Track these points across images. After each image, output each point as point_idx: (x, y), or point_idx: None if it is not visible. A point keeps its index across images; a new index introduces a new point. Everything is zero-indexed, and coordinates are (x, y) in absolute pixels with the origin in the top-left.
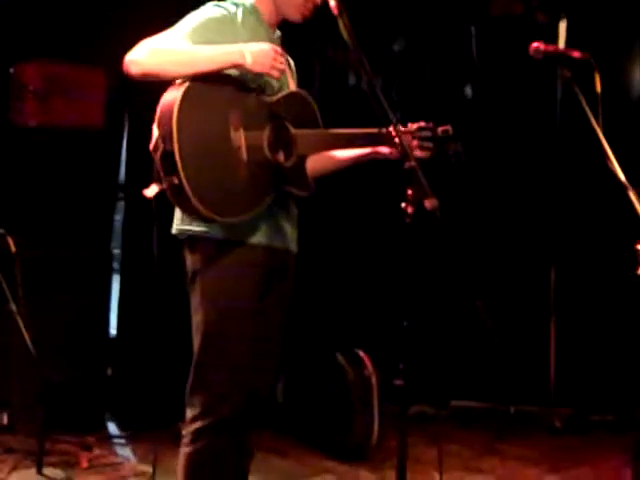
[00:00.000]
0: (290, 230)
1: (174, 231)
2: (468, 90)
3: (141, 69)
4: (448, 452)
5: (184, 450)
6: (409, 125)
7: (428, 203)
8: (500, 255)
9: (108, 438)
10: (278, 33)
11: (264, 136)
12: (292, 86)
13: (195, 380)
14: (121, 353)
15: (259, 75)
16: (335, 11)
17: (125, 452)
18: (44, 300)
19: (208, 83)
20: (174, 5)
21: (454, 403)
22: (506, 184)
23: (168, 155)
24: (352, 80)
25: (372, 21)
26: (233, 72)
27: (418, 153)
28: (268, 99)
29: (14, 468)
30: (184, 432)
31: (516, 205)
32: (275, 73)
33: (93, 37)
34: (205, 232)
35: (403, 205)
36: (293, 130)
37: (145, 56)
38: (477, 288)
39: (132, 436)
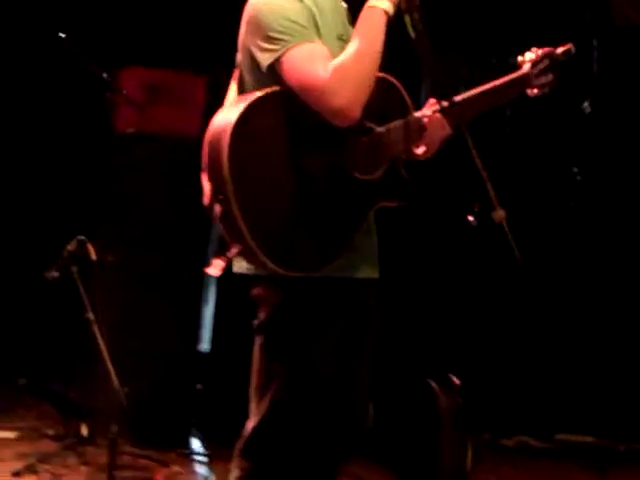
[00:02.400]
0: (374, 255)
1: (239, 269)
2: (587, 105)
3: (362, 105)
4: None
5: None
6: (520, 61)
7: (495, 215)
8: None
9: (189, 455)
10: (344, 7)
11: (341, 150)
12: None
13: (256, 435)
14: (213, 369)
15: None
16: (402, 5)
17: (203, 470)
18: (135, 310)
19: (261, 107)
20: None
21: (559, 436)
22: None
23: (228, 214)
24: None
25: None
26: None
27: (535, 92)
28: None
29: None
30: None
31: None
32: None
33: (197, 46)
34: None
35: (469, 218)
36: (378, 128)
37: (352, 90)
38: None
39: (214, 454)
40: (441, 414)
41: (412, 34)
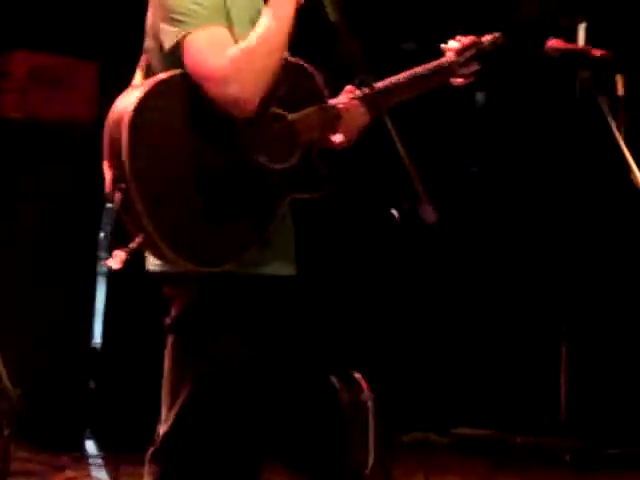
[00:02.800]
0: (290, 252)
1: (152, 267)
2: (480, 97)
3: (259, 95)
4: None
5: None
6: (445, 48)
7: (427, 216)
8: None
9: (85, 458)
10: None
11: (248, 138)
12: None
13: (167, 442)
14: (106, 365)
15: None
16: None
17: (101, 474)
18: (21, 304)
19: (162, 91)
20: None
21: (456, 430)
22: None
23: (128, 204)
24: None
25: (382, 20)
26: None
27: (459, 81)
28: None
29: None
30: None
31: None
32: None
33: (90, 31)
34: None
35: (395, 214)
36: (289, 115)
37: (249, 80)
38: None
39: (111, 457)
40: (343, 411)
41: (331, 16)
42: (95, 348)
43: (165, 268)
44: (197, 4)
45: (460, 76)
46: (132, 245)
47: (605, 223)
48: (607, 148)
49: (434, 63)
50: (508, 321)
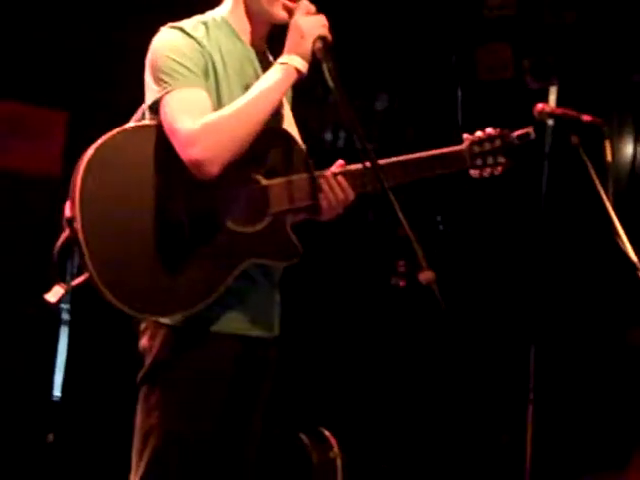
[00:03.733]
0: (269, 314)
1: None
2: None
3: (222, 163)
4: None
5: None
6: (465, 137)
7: (423, 276)
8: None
9: None
10: (257, 55)
11: (214, 197)
12: (288, 120)
13: None
14: (66, 418)
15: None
16: (319, 55)
17: None
18: None
19: (131, 137)
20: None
21: None
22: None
23: (76, 241)
24: (329, 136)
25: (354, 77)
26: None
27: (478, 173)
28: None
29: None
30: None
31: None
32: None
33: (58, 79)
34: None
35: (393, 280)
36: (264, 181)
37: (214, 146)
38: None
39: None
40: (313, 470)
41: (330, 83)
42: (55, 401)
43: (141, 322)
44: (182, 66)
45: (477, 167)
46: (73, 283)
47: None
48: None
49: (444, 149)
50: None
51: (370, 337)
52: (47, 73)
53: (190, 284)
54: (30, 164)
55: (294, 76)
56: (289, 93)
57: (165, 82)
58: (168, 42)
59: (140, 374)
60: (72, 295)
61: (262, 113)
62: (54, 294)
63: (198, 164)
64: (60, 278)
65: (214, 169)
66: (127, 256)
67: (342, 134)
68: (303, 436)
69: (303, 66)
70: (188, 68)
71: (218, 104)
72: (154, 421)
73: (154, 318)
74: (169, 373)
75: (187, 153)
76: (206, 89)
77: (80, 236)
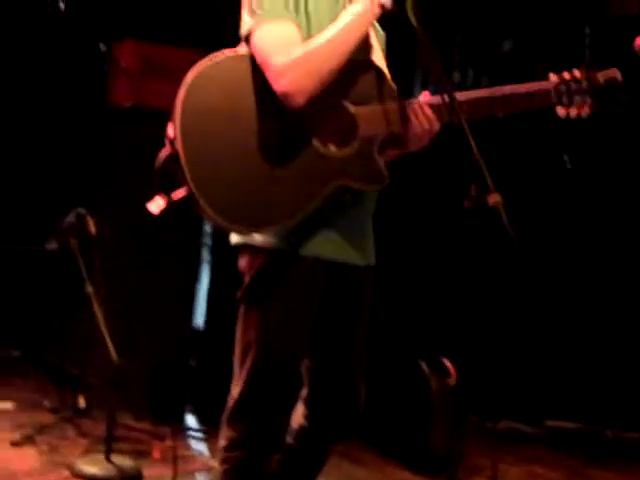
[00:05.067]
0: (361, 239)
1: (232, 241)
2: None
3: (309, 94)
4: (534, 474)
5: (222, 468)
6: (550, 76)
7: (491, 199)
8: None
9: (185, 430)
10: None
11: (307, 122)
12: (378, 59)
13: (238, 404)
14: (207, 345)
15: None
16: None
17: (200, 446)
18: (128, 284)
19: (228, 64)
20: None
21: (549, 423)
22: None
23: (175, 158)
24: (457, 77)
25: (480, 20)
26: None
27: (564, 112)
28: None
29: (85, 452)
30: (220, 452)
31: None
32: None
33: (194, 19)
34: (257, 242)
35: (465, 203)
36: (353, 108)
37: (302, 78)
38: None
39: (209, 431)
40: (432, 396)
41: (414, 22)
42: (197, 328)
43: (239, 241)
44: (274, 0)
45: (564, 105)
46: (173, 196)
47: None
48: None
49: (531, 85)
50: (603, 313)
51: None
52: (182, 14)
53: (283, 201)
54: (169, 103)
55: (377, 10)
56: (381, 33)
57: (257, 14)
58: None
59: (239, 292)
60: (213, 234)
61: (346, 45)
62: (155, 205)
63: (287, 95)
64: (162, 191)
65: (301, 100)
66: (223, 172)
67: (470, 72)
68: (422, 364)
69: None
70: (280, 1)
71: (308, 38)
72: (251, 337)
73: (247, 231)
74: (264, 294)
75: (277, 85)
76: (297, 23)
77: (180, 153)
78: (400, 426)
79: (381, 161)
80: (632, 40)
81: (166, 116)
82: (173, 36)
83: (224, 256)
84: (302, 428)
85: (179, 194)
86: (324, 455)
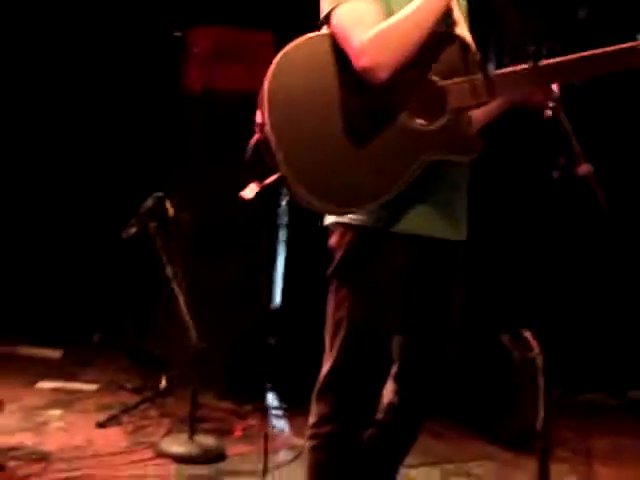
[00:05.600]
0: (456, 216)
1: (325, 222)
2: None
3: (391, 69)
4: (621, 445)
5: (311, 443)
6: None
7: (581, 169)
8: None
9: (265, 409)
10: None
11: (396, 96)
12: (461, 28)
13: (329, 380)
14: (286, 323)
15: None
16: None
17: (281, 424)
18: (206, 265)
19: (313, 44)
20: None
21: (632, 394)
22: None
23: (265, 143)
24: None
25: None
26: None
27: None
28: None
29: (168, 432)
30: (310, 429)
31: None
32: None
33: (259, 1)
34: (347, 220)
35: (554, 174)
36: (440, 82)
37: (383, 53)
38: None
39: (290, 408)
40: (515, 369)
41: None
42: (276, 309)
43: (330, 221)
44: None
45: None
46: (267, 181)
47: None
48: None
49: (619, 46)
50: None
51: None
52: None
53: (375, 178)
54: (243, 85)
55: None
56: (462, 2)
57: None
58: None
59: (330, 269)
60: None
61: (427, 20)
62: (250, 191)
63: (368, 71)
64: (255, 177)
65: (383, 75)
66: (314, 153)
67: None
68: (504, 336)
69: None
70: None
71: (389, 16)
72: (343, 314)
73: (342, 211)
74: (356, 270)
75: (358, 62)
76: (375, 2)
77: (270, 138)
78: (483, 400)
79: (473, 131)
80: None
81: (238, 98)
82: (242, 19)
83: (300, 235)
84: (392, 404)
85: (271, 179)
86: (415, 432)
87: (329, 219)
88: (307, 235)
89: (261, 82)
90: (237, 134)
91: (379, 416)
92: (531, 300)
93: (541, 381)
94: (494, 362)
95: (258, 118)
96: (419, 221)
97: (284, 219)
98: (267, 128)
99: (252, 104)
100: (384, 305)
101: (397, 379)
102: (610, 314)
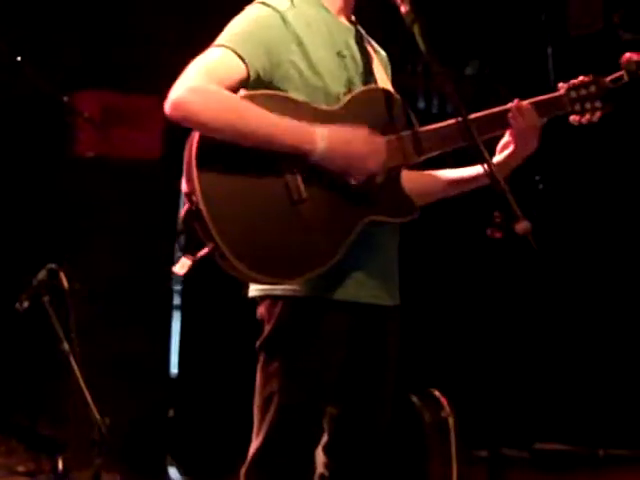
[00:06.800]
0: (388, 277)
1: (250, 293)
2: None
3: (188, 118)
4: None
5: None
6: (560, 86)
7: (519, 227)
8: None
9: None
10: (348, 25)
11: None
12: (383, 82)
13: (259, 457)
14: (183, 393)
15: (317, 75)
16: (403, 9)
17: None
18: (100, 338)
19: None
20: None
21: (538, 446)
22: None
23: (196, 214)
24: (421, 104)
25: (444, 43)
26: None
27: (577, 119)
28: (327, 108)
29: None
30: None
31: None
32: (355, 180)
33: (145, 65)
34: (278, 291)
35: (489, 232)
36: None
37: (197, 103)
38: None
39: None
40: (425, 429)
41: (422, 47)
42: (172, 378)
43: (257, 293)
44: (243, 33)
45: (576, 112)
46: (199, 254)
47: None
48: None
49: (543, 97)
50: (588, 334)
51: (471, 292)
52: (137, 61)
53: (314, 246)
54: (131, 150)
55: (300, 151)
56: (382, 53)
57: (222, 37)
58: (249, 13)
59: (259, 341)
60: (184, 281)
61: (243, 139)
62: (182, 266)
63: (173, 102)
64: (186, 250)
65: (175, 115)
66: (249, 222)
67: (435, 101)
68: (414, 397)
69: (315, 155)
70: (240, 31)
71: (310, 70)
72: (274, 388)
73: (282, 282)
74: (288, 342)
75: (176, 91)
76: (254, 65)
77: (202, 207)
78: (395, 462)
79: (404, 191)
80: (593, 59)
81: (129, 163)
82: (131, 84)
83: (195, 301)
84: (323, 477)
85: (204, 251)
86: None
87: (255, 290)
88: (203, 300)
89: (153, 147)
90: (129, 200)
91: None
92: (438, 359)
93: (453, 440)
94: (406, 422)
95: (184, 187)
96: (355, 287)
97: (178, 284)
98: (197, 197)
99: (146, 171)
100: (318, 378)
101: (327, 451)
102: (517, 367)
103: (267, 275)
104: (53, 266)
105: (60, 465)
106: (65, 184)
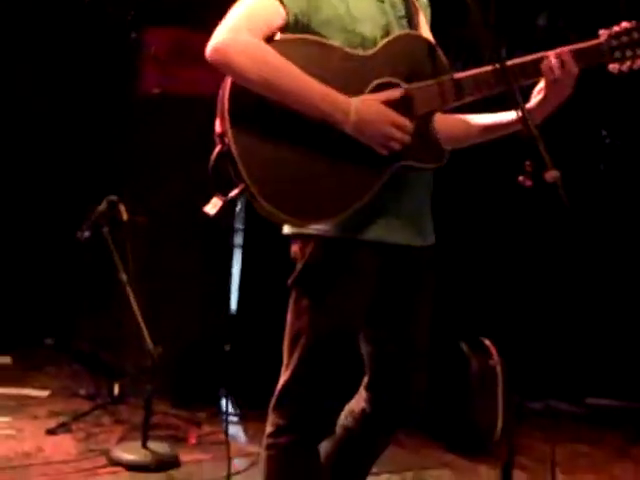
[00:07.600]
0: (418, 220)
1: (285, 230)
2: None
3: (227, 64)
4: (578, 453)
5: (268, 453)
6: (601, 33)
7: (548, 175)
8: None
9: (220, 415)
10: None
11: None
12: (421, 27)
13: (287, 390)
14: (241, 329)
15: (355, 20)
16: None
17: (236, 431)
18: (160, 270)
19: (273, 46)
20: None
21: (590, 401)
22: None
23: (227, 155)
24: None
25: None
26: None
27: (617, 66)
28: (361, 52)
29: (121, 439)
30: (267, 438)
31: None
32: (383, 150)
33: (215, 3)
34: (310, 230)
35: (520, 178)
36: (405, 85)
37: (236, 53)
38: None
39: (245, 415)
40: (472, 377)
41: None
42: (231, 315)
43: (291, 231)
44: None
45: (616, 61)
46: (230, 194)
47: None
48: None
49: (582, 44)
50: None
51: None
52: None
53: (342, 189)
54: (201, 88)
55: (332, 121)
56: (423, 1)
57: None
58: None
59: (291, 278)
60: (245, 220)
61: (279, 95)
62: (213, 206)
63: (214, 49)
64: (218, 191)
65: (218, 58)
66: (279, 164)
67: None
68: (463, 344)
69: (346, 128)
70: None
71: (349, 14)
72: (304, 324)
73: (308, 223)
74: (318, 280)
75: (217, 39)
76: (292, 9)
77: (233, 149)
78: (441, 407)
79: (436, 137)
80: None
81: (196, 101)
82: (203, 21)
83: (256, 240)
84: (365, 413)
85: (235, 192)
86: (387, 440)
87: (289, 228)
88: (263, 240)
89: (216, 86)
90: (194, 138)
91: (350, 424)
92: (490, 308)
93: (500, 389)
94: (453, 370)
95: (217, 127)
96: (383, 229)
97: (240, 223)
98: (228, 138)
99: (211, 109)
100: (347, 315)
101: (369, 388)
102: (570, 321)
103: (294, 216)
104: (113, 198)
105: (116, 390)
106: (130, 119)
